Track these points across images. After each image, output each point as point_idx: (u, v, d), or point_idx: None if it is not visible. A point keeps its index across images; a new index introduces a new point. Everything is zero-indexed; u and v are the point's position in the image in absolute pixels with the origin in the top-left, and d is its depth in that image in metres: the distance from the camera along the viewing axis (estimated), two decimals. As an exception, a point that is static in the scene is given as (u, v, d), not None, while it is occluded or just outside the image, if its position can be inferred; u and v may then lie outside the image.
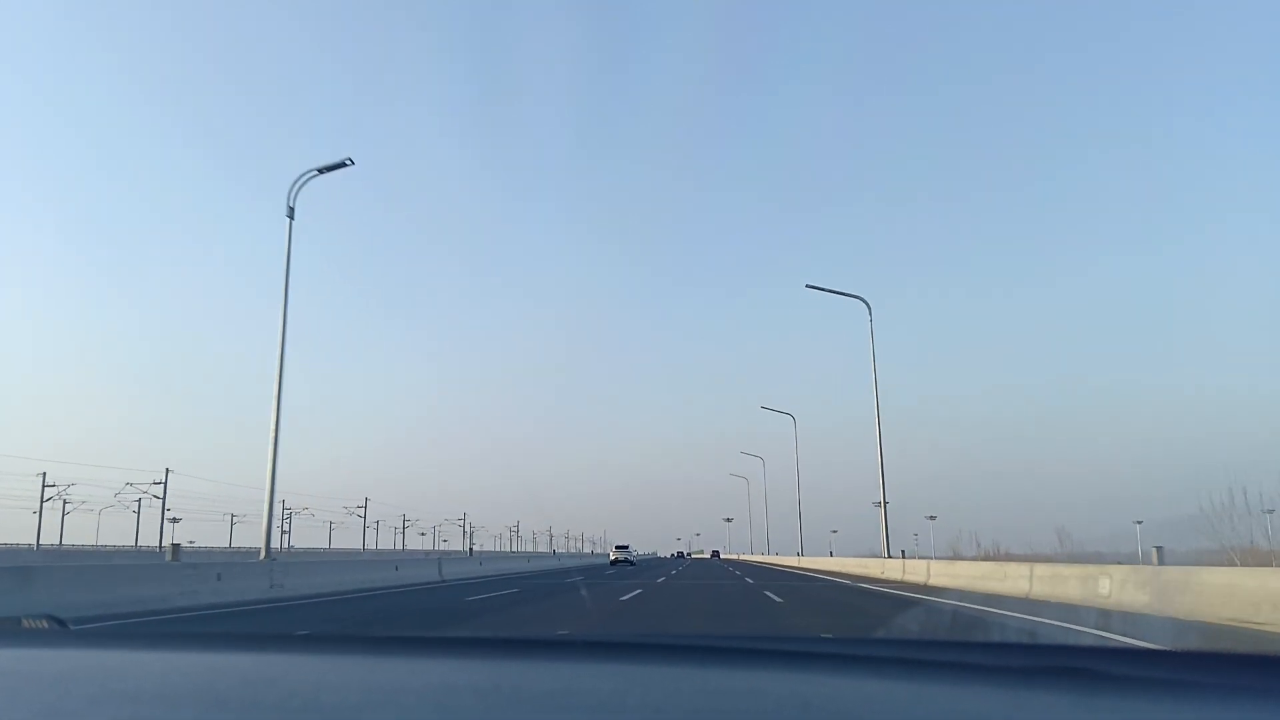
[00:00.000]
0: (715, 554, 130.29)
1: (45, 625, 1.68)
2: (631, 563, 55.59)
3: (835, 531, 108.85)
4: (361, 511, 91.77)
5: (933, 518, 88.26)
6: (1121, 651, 1.12)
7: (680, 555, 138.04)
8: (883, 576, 25.24)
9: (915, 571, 23.00)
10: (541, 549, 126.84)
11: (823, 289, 31.85)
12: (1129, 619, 11.07)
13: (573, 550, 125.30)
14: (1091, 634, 9.97)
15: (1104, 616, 11.41)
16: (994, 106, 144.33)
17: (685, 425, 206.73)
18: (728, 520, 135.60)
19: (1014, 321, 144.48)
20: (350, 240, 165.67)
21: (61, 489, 65.28)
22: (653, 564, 59.54)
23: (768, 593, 18.84)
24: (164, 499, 62.37)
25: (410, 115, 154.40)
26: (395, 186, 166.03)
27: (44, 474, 63.55)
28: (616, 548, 60.26)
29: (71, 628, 1.67)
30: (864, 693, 0.95)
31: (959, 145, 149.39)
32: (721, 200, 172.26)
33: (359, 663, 1.19)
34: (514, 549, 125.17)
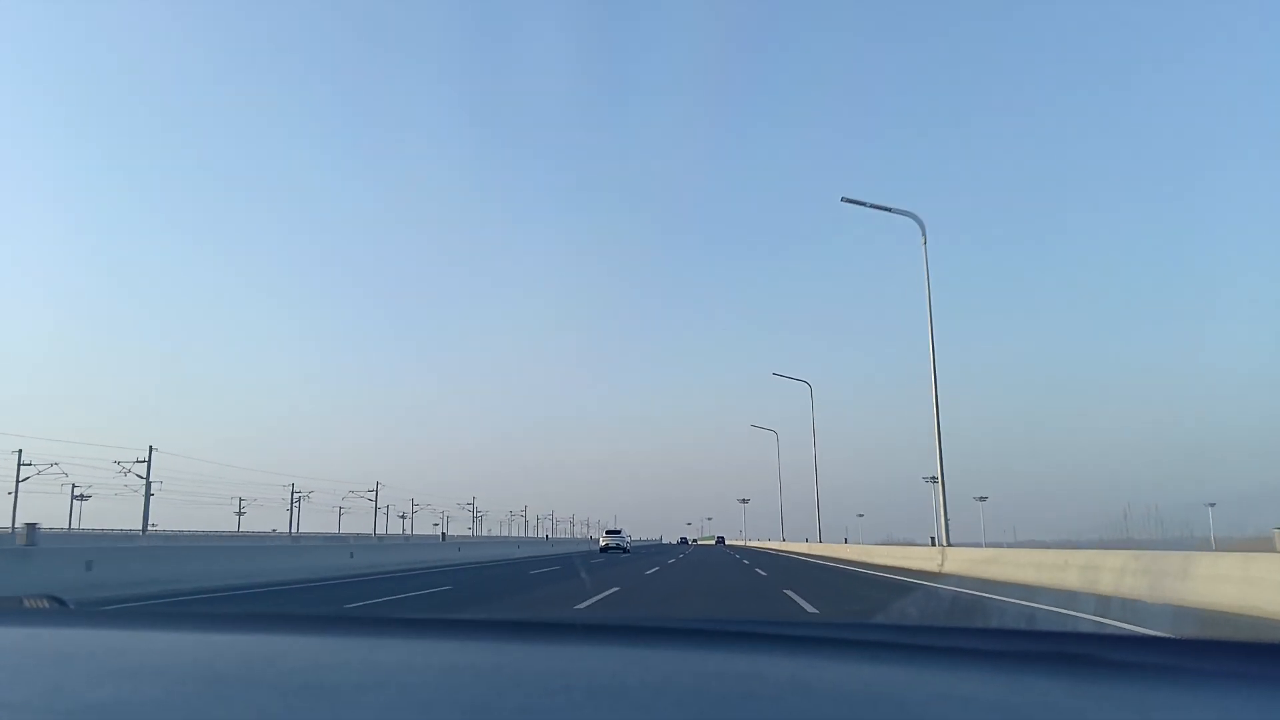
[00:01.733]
0: (720, 540, 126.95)
1: (45, 604, 1.69)
2: (625, 549, 49.68)
3: (861, 516, 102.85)
4: (372, 496, 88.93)
5: (983, 498, 75.45)
6: (1119, 637, 1.13)
7: (684, 541, 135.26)
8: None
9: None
10: (549, 535, 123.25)
11: (865, 203, 26.40)
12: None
13: (581, 536, 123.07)
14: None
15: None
16: (1017, 89, 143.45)
17: (697, 410, 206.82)
18: (743, 501, 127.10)
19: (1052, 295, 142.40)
20: (353, 235, 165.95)
21: (41, 468, 58.51)
22: (649, 551, 52.09)
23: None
24: (148, 477, 54.67)
25: (412, 116, 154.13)
26: (398, 181, 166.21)
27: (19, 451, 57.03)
28: (607, 532, 54.12)
29: (71, 607, 1.68)
30: (862, 676, 0.95)
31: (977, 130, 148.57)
32: (728, 181, 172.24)
33: (360, 643, 1.20)
34: (510, 534, 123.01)
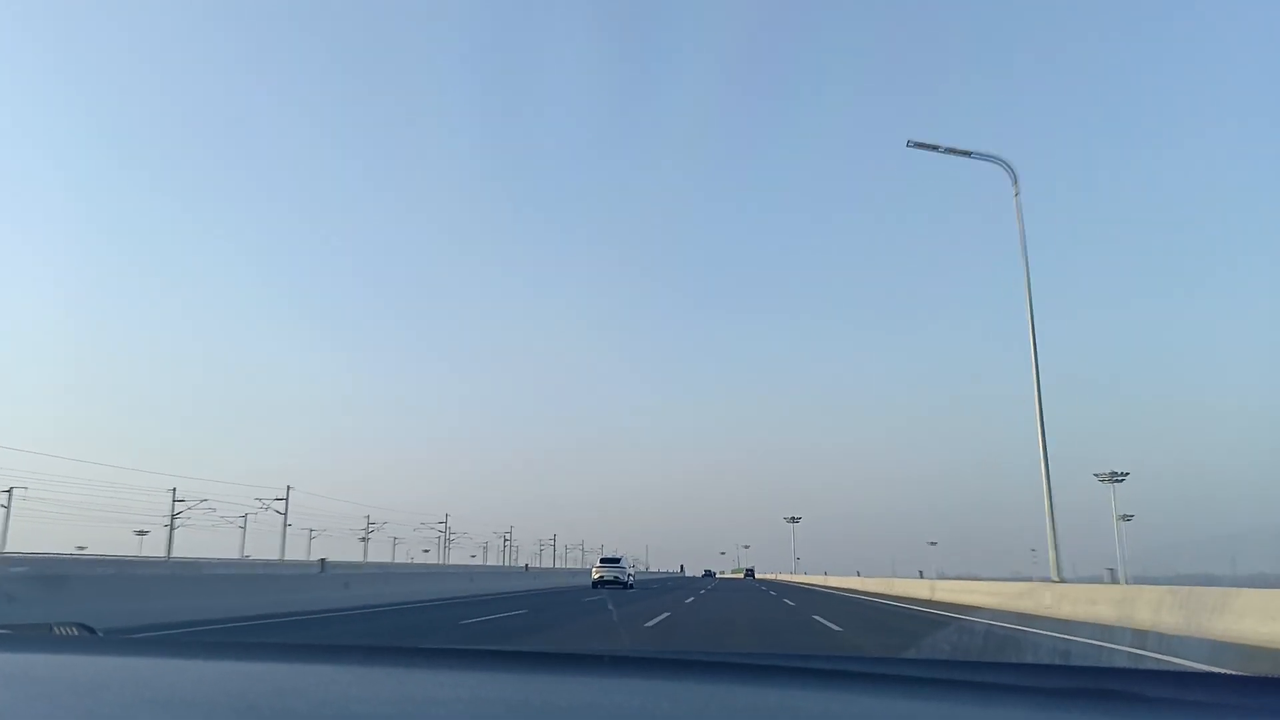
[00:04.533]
0: (749, 573, 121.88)
1: (75, 632, 1.70)
2: (626, 584, 35.97)
3: (934, 544, 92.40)
4: (371, 528, 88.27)
5: (1129, 517, 57.03)
6: (1159, 673, 1.10)
7: (709, 574, 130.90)
8: None
9: None
10: (528, 565, 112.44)
11: (939, 148, 21.61)
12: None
13: (582, 566, 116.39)
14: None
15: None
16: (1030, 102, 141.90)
17: (732, 437, 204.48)
18: (792, 520, 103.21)
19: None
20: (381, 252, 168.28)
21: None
22: (655, 590, 34.95)
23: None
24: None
25: (431, 128, 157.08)
26: (426, 207, 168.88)
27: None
28: (602, 561, 38.58)
29: (100, 635, 1.69)
30: (895, 711, 0.93)
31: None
32: (748, 209, 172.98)
33: (390, 674, 1.19)
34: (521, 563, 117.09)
